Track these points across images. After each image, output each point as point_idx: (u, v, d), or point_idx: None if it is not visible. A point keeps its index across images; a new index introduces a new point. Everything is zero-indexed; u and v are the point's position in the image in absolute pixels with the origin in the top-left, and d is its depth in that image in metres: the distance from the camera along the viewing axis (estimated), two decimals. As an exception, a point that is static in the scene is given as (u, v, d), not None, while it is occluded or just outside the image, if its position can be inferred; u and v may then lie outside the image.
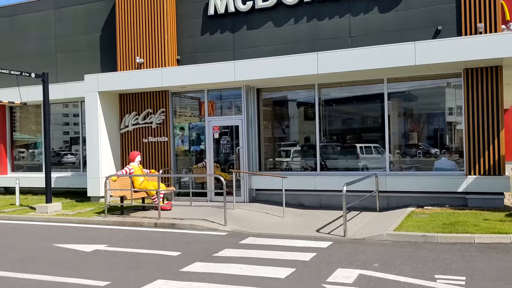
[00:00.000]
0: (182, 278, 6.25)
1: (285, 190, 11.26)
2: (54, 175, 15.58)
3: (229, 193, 13.01)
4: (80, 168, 16.00)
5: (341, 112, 13.02)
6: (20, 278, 6.51)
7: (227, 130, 13.19)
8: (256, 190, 13.03)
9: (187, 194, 13.48)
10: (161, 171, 13.15)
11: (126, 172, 11.64)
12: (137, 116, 14.09)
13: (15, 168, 17.19)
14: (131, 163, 11.94)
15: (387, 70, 11.03)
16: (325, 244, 8.00)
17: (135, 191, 11.51)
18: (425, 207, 10.87)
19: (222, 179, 10.02)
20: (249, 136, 12.89)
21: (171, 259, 7.31)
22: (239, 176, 12.74)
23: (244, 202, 12.69)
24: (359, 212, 11.03)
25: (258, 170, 13.14)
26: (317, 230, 9.17)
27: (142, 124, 14.04)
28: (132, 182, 11.67)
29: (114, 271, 6.73)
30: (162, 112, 13.77)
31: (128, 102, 14.29)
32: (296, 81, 12.37)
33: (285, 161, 13.41)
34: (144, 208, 11.91)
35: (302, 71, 11.42)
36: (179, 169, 13.90)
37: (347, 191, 8.76)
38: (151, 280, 6.21)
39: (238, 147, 12.87)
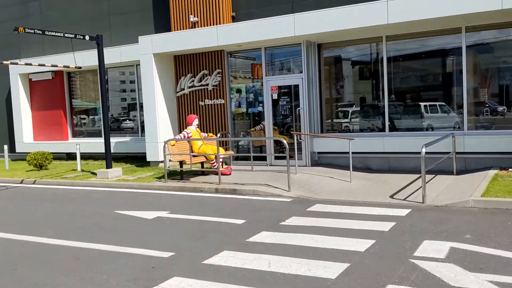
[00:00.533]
0: (250, 250, 5.77)
1: (345, 152, 10.49)
2: (113, 140, 15.57)
3: (290, 157, 12.44)
4: (138, 133, 15.89)
5: (410, 68, 11.91)
6: (83, 248, 6.28)
7: (286, 90, 12.46)
8: (318, 153, 12.35)
9: (244, 158, 13.03)
10: (218, 135, 12.71)
11: (184, 136, 11.27)
12: (193, 78, 13.61)
13: (75, 134, 17.37)
14: (188, 127, 11.55)
15: (466, 16, 9.81)
16: (403, 212, 7.26)
17: (194, 156, 11.15)
18: (509, 169, 9.81)
19: (284, 142, 9.40)
20: (310, 96, 12.12)
21: (236, 228, 6.86)
22: (300, 139, 12.08)
23: (305, 166, 12.07)
24: (434, 175, 10.12)
25: (320, 132, 12.41)
26: (391, 196, 8.42)
27: (198, 86, 13.57)
28: (191, 147, 11.31)
29: (177, 241, 6.36)
30: (218, 73, 13.21)
31: (184, 64, 13.82)
32: (361, 34, 11.35)
33: (347, 122, 12.57)
34: (203, 173, 11.57)
35: (370, 21, 10.39)
36: (237, 133, 13.41)
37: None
38: (217, 251, 5.78)
39: (298, 108, 12.15)
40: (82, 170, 13.63)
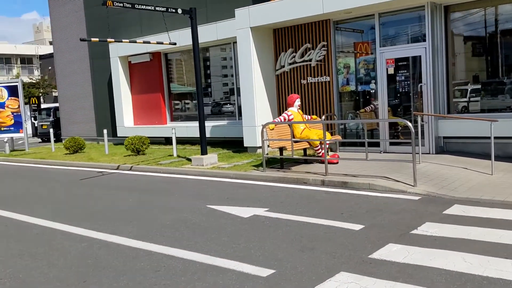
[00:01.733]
0: (375, 272, 4.23)
1: (486, 137, 8.37)
2: (210, 124, 14.73)
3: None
4: (235, 116, 14.85)
5: None
6: (166, 254, 5.17)
7: (404, 63, 10.49)
8: (444, 138, 10.29)
9: (351, 144, 11.35)
10: (323, 117, 11.14)
11: (285, 119, 9.89)
12: (294, 54, 12.14)
13: (173, 118, 16.83)
14: (289, 108, 10.14)
15: None
16: None
17: (296, 141, 9.74)
18: None
19: (409, 124, 7.58)
20: (434, 69, 10.06)
21: (352, 236, 5.33)
22: (423, 121, 10.10)
23: (429, 153, 10.09)
24: None
25: (447, 113, 10.32)
26: (561, 197, 6.33)
27: (299, 62, 12.07)
28: (292, 131, 9.91)
29: (278, 251, 5.01)
30: (323, 46, 11.58)
31: (284, 38, 12.39)
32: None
33: (475, 101, 10.28)
34: (306, 161, 10.12)
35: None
36: (344, 114, 11.74)
37: None
38: (331, 272, 4.32)
39: (420, 84, 10.15)
40: (178, 156, 12.89)
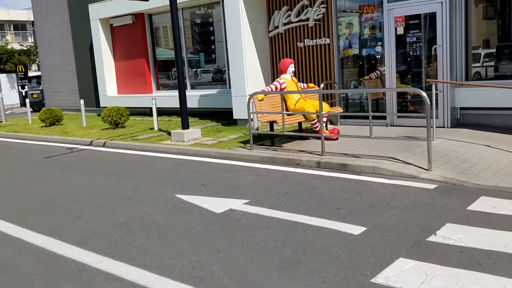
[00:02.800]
0: (382, 312, 2.96)
1: (509, 108, 7.03)
2: (199, 93, 13.35)
3: (414, 112, 9.16)
4: (227, 85, 13.42)
5: None
6: (102, 271, 3.91)
7: (416, 21, 8.97)
8: (461, 109, 8.88)
9: (354, 116, 9.97)
10: (322, 86, 9.71)
11: (276, 88, 8.48)
12: (289, 12, 10.60)
13: (160, 87, 15.41)
14: (282, 75, 8.72)
15: None
16: None
17: (289, 114, 8.39)
18: None
19: (424, 94, 6.14)
20: (452, 28, 8.56)
21: (351, 245, 4.04)
22: (437, 89, 8.66)
23: (443, 127, 8.71)
24: None
25: (465, 80, 8.87)
26: None
27: (295, 22, 10.55)
28: (285, 102, 8.53)
29: (250, 268, 3.73)
30: (322, 3, 10.03)
31: (277, -6, 10.84)
32: None
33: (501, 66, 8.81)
34: (301, 138, 8.77)
35: None
36: (346, 82, 10.30)
37: None
38: (318, 308, 3.04)
39: (434, 46, 8.66)
40: (160, 130, 11.56)
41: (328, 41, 10.12)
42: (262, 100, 8.32)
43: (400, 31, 9.12)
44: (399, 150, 7.08)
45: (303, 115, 8.46)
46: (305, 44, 10.49)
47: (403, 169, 6.15)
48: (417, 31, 8.95)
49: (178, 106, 13.57)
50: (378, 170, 6.28)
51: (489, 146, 7.15)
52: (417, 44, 9.00)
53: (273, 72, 11.18)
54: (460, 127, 8.68)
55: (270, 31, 11.04)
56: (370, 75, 9.96)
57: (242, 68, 10.61)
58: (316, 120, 8.38)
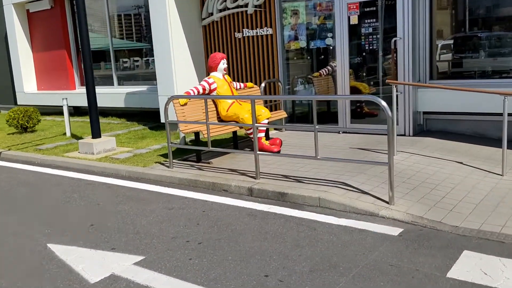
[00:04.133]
0: None
1: (481, 114, 5.72)
2: (124, 90, 11.52)
3: (369, 114, 7.80)
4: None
5: None
6: None
7: (373, 8, 7.53)
8: (425, 113, 7.55)
9: (304, 119, 8.52)
10: (262, 85, 8.14)
11: (204, 89, 6.84)
12: (225, -3, 8.96)
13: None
14: (212, 74, 7.08)
15: None
16: None
17: (221, 121, 6.80)
18: None
19: (383, 104, 4.65)
20: (415, 17, 7.17)
21: None
22: (397, 91, 7.27)
23: (405, 134, 7.35)
24: None
25: (429, 80, 7.53)
26: None
27: (232, 8, 8.91)
28: (216, 106, 6.93)
29: None
30: (263, -14, 8.46)
31: (211, -25, 9.14)
32: None
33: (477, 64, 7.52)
34: (236, 147, 7.18)
35: None
36: (292, 80, 8.78)
37: None
38: None
39: (394, 39, 7.25)
40: (73, 136, 9.67)
41: (270, 31, 8.55)
42: (185, 104, 6.65)
43: (354, 20, 7.66)
44: (352, 169, 5.61)
45: (238, 123, 6.86)
46: (244, 35, 8.88)
47: (358, 201, 4.68)
48: (374, 20, 7.51)
49: (104, 105, 11.86)
50: (326, 203, 4.77)
51: (461, 164, 5.80)
52: (374, 36, 7.57)
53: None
54: (423, 134, 7.34)
55: (204, 19, 9.35)
56: (320, 71, 8.49)
57: (170, 62, 8.89)
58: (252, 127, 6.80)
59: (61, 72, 13.27)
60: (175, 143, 7.62)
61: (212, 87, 6.89)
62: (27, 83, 13.91)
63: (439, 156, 6.11)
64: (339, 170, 5.64)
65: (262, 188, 5.23)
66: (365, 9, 7.55)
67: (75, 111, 13.20)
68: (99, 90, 12.22)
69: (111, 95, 11.78)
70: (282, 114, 7.71)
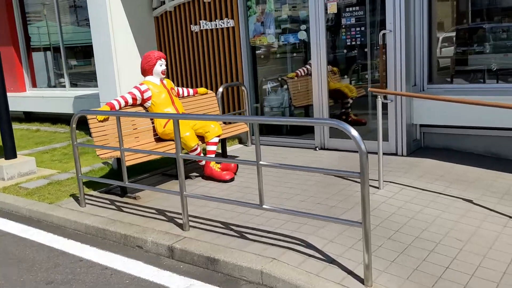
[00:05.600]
0: None
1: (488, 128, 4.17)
2: (73, 94, 9.94)
3: (356, 123, 6.20)
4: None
5: None
6: None
7: (356, -6, 5.92)
8: (422, 126, 5.95)
9: (276, 130, 6.95)
10: (220, 90, 6.51)
11: (135, 99, 5.25)
12: (178, -18, 7.32)
13: (37, 83, 11.77)
14: (146, 78, 5.47)
15: None
16: None
17: (160, 140, 5.24)
18: None
19: (352, 132, 3.02)
20: (409, 6, 5.55)
21: None
22: (385, 99, 5.65)
23: (397, 154, 5.76)
24: None
25: (428, 83, 5.93)
26: None
27: (186, -4, 7.29)
28: (153, 123, 5.35)
29: None
30: (221, -33, 6.82)
31: (162, -45, 7.52)
32: None
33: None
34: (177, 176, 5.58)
35: None
36: (260, 83, 7.18)
37: None
38: None
39: (383, 32, 5.61)
40: (-1, 151, 8.07)
41: (232, 23, 6.92)
42: (105, 120, 5.04)
43: (333, 9, 6.04)
44: (320, 211, 4.02)
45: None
46: (202, 28, 7.25)
47: (319, 279, 3.07)
48: (357, 8, 5.89)
49: (56, 111, 10.26)
50: (271, 281, 3.17)
51: (471, 202, 4.21)
52: (358, 29, 5.96)
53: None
54: (421, 154, 5.75)
55: (155, 9, 7.72)
56: (297, 71, 6.88)
57: (110, 62, 7.27)
58: (196, 148, 5.20)
59: (9, 72, 11.63)
60: (84, 176, 6.02)
61: (146, 95, 5.29)
62: (-27, 84, 12.25)
63: (440, 189, 4.51)
64: (303, 203, 4.03)
65: (187, 248, 3.63)
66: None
67: (26, 117, 11.58)
68: (55, 93, 10.72)
69: (60, 99, 10.17)
70: (241, 128, 6.09)
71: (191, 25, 7.35)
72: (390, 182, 4.76)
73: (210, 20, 7.12)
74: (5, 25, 11.33)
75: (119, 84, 7.32)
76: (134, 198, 4.88)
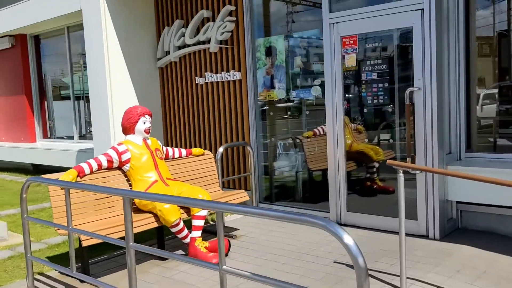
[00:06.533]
0: None
1: None
2: (79, 146, 9.35)
3: (383, 191, 5.19)
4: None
5: None
6: None
7: (378, 44, 5.05)
8: (459, 203, 4.87)
9: (288, 195, 6.03)
10: (220, 150, 5.65)
11: (110, 162, 4.46)
12: (183, 30, 6.68)
13: (49, 133, 11.25)
14: (127, 137, 4.68)
15: None
16: None
17: (139, 211, 4.38)
18: None
19: (345, 240, 2.09)
20: (440, 56, 4.64)
21: None
22: (413, 170, 4.64)
23: (428, 237, 4.67)
24: None
25: (466, 150, 4.91)
26: None
27: (192, 45, 6.62)
28: (135, 199, 4.51)
29: None
30: (229, 13, 6.14)
31: (167, 2, 6.95)
32: None
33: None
34: (162, 245, 4.64)
35: None
36: (271, 142, 6.30)
37: None
38: None
39: (409, 89, 4.67)
40: (-14, 208, 7.41)
41: (238, 76, 6.17)
42: (62, 189, 4.22)
43: (351, 61, 5.19)
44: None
45: (156, 216, 4.35)
46: (207, 80, 6.53)
47: None
48: (379, 61, 5.02)
49: (65, 165, 9.64)
50: None
51: (529, 321, 3.08)
52: (380, 84, 5.07)
53: (166, 126, 7.18)
54: (457, 238, 4.65)
55: (159, 59, 7.08)
56: (314, 130, 6.00)
57: (107, 118, 6.59)
58: (178, 223, 4.30)
59: (20, 122, 11.25)
60: (32, 257, 5.19)
61: (124, 157, 4.48)
62: (-15, 133, 11.96)
63: (484, 297, 3.41)
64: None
65: None
66: (367, 45, 5.09)
67: (34, 169, 11.04)
68: (54, 144, 10.23)
69: (65, 152, 9.58)
70: (241, 196, 5.17)
71: (196, 77, 6.64)
72: (416, 280, 3.69)
73: (216, 72, 6.40)
74: (20, 76, 11.04)
75: (115, 140, 6.60)
76: (96, 287, 3.96)
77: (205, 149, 6.60)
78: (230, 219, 5.80)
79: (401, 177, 3.49)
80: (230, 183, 6.40)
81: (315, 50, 5.62)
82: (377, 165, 5.70)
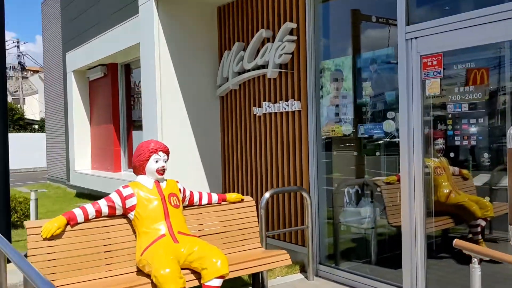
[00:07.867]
0: None
1: None
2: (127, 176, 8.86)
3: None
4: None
5: None
6: None
7: (470, 65, 3.68)
8: None
9: (358, 256, 4.76)
10: (266, 196, 4.57)
11: (112, 208, 3.68)
12: (242, 53, 5.81)
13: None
14: (137, 178, 3.88)
15: None
16: None
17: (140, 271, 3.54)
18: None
19: None
20: None
21: None
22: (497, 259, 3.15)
23: None
24: None
25: None
26: None
27: (251, 70, 5.72)
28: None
29: None
30: (290, 32, 5.13)
31: (229, 24, 6.17)
32: None
33: None
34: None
35: None
36: (335, 189, 5.08)
37: None
38: None
39: (515, 127, 3.26)
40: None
41: (298, 106, 5.08)
42: (53, 238, 3.49)
43: (434, 88, 3.87)
44: None
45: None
46: (265, 111, 5.55)
47: None
48: (472, 89, 3.64)
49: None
50: None
51: None
52: (473, 120, 3.66)
53: (226, 157, 6.32)
54: None
55: (219, 87, 6.29)
56: (399, 175, 4.68)
57: (155, 149, 5.91)
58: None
59: (108, 150, 11.29)
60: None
61: (129, 203, 3.68)
62: (79, 160, 12.23)
63: None
64: None
65: None
66: (456, 66, 3.75)
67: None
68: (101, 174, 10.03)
69: (112, 180, 9.27)
70: (281, 259, 4.04)
71: (254, 107, 5.71)
72: None
73: (274, 102, 5.41)
74: (109, 105, 11.11)
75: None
76: None
77: (252, 195, 5.59)
78: (278, 283, 4.66)
79: (475, 270, 2.15)
80: (287, 236, 5.28)
81: (389, 74, 4.37)
82: (483, 223, 4.23)
